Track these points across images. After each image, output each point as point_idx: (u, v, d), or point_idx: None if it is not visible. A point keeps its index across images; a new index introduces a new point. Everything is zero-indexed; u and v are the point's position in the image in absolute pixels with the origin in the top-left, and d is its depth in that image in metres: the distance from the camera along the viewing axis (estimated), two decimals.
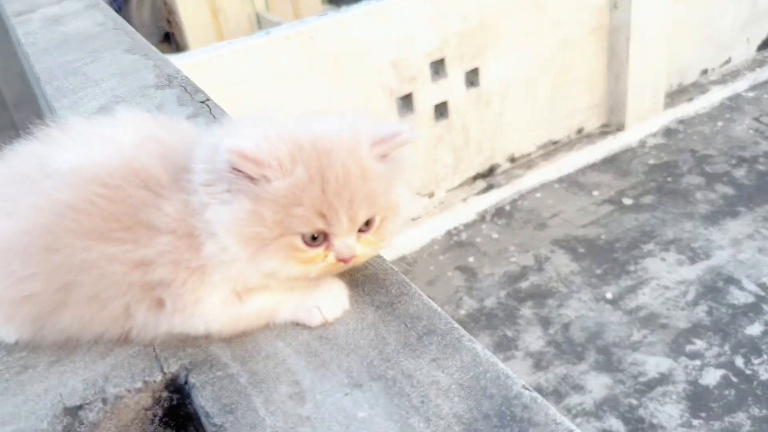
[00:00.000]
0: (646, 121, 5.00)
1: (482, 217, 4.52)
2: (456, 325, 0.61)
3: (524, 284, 3.92)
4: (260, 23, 12.34)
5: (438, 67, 4.13)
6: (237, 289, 0.60)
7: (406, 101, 4.12)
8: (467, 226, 4.47)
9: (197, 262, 0.57)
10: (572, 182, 4.74)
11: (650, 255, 3.98)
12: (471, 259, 4.18)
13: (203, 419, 0.55)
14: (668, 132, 5.06)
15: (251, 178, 0.54)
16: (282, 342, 0.61)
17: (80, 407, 0.57)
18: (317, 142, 0.58)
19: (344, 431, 0.50)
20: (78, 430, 0.57)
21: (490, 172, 4.71)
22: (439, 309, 0.64)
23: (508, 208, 4.57)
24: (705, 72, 5.48)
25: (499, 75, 4.33)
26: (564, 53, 4.51)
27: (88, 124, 0.66)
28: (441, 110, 4.27)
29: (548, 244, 4.21)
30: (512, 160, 4.77)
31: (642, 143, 4.99)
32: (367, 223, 0.61)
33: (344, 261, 0.58)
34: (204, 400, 0.55)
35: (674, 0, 4.81)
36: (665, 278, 3.78)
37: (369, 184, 0.60)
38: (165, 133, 0.63)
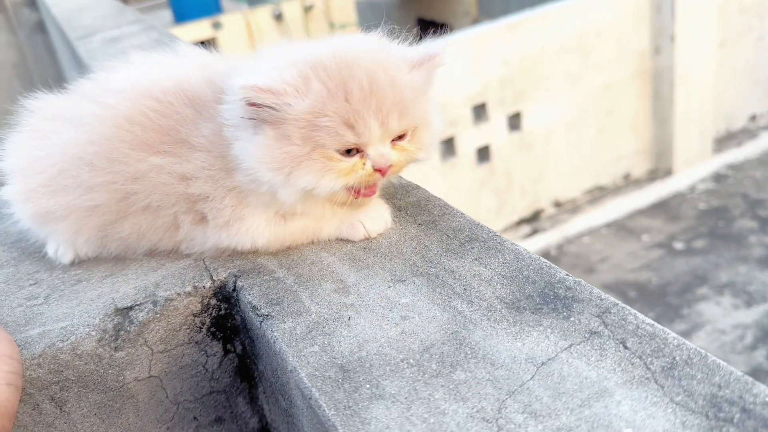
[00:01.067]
0: (694, 166, 4.92)
1: None
2: (498, 234, 0.61)
3: None
4: None
5: (479, 111, 4.19)
6: (279, 212, 0.61)
7: (448, 145, 4.17)
8: None
9: (232, 183, 0.59)
10: (620, 227, 4.65)
11: (704, 299, 3.83)
12: None
13: (250, 314, 0.55)
14: (718, 177, 4.95)
15: (272, 109, 0.56)
16: (327, 252, 0.62)
17: (131, 308, 0.59)
18: (337, 56, 0.60)
19: (387, 313, 0.50)
20: (128, 328, 0.59)
21: (535, 216, 4.67)
22: (481, 223, 0.64)
23: (554, 252, 4.50)
24: (754, 117, 5.40)
25: (542, 119, 4.36)
26: (607, 97, 4.53)
27: (148, 56, 0.70)
28: (483, 154, 4.30)
29: (598, 288, 4.10)
30: (557, 204, 4.73)
31: (691, 188, 4.89)
32: (401, 137, 0.61)
33: (381, 171, 0.59)
34: (251, 297, 0.56)
35: (719, 45, 4.81)
36: (721, 322, 3.63)
37: (398, 92, 0.61)
38: (217, 61, 0.67)
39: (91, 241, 0.66)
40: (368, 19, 18.12)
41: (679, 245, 4.34)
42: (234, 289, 0.61)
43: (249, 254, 0.64)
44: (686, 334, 3.60)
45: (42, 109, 0.70)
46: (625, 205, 4.78)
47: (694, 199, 4.80)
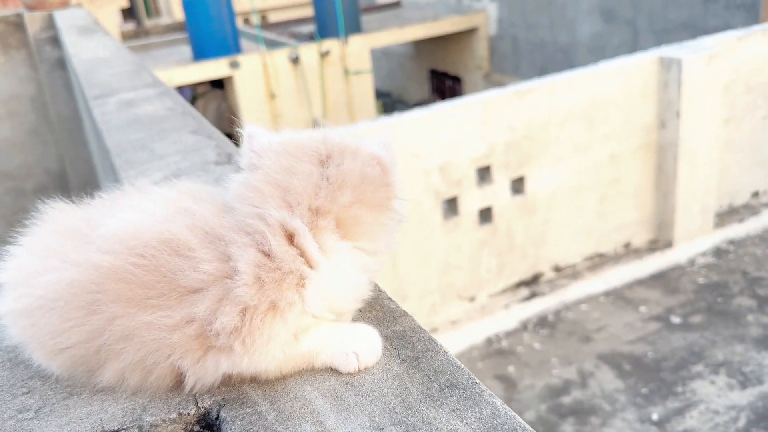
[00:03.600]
0: (695, 240, 4.94)
1: (524, 326, 4.44)
2: (478, 380, 0.63)
3: (566, 399, 3.78)
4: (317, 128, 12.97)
5: (484, 173, 4.24)
6: (301, 327, 0.64)
7: (452, 204, 4.21)
8: (508, 333, 4.39)
9: (265, 304, 0.61)
10: (619, 296, 4.65)
11: (699, 377, 3.80)
12: (511, 369, 4.07)
13: None
14: (718, 252, 4.97)
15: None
16: (310, 386, 0.64)
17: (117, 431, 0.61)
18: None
19: None
20: None
21: (534, 280, 4.68)
22: (462, 365, 0.66)
23: (551, 318, 4.49)
24: (756, 194, 5.44)
25: (546, 184, 4.41)
26: (612, 167, 4.58)
27: (135, 194, 0.73)
28: (485, 215, 4.34)
29: (593, 358, 4.08)
30: (557, 269, 4.74)
31: (691, 262, 4.90)
32: None
33: None
34: None
35: (724, 122, 4.89)
36: (715, 402, 3.59)
37: None
38: (195, 205, 0.69)
39: (66, 372, 0.68)
40: (382, 67, 18.47)
41: (676, 319, 4.33)
42: (217, 418, 0.63)
43: (235, 380, 0.66)
44: (679, 412, 3.56)
45: (52, 220, 0.73)
46: (624, 274, 4.79)
47: (694, 272, 4.81)
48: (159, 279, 0.63)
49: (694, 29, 10.98)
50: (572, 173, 4.46)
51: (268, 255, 0.62)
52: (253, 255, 0.62)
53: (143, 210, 0.69)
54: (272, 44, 12.87)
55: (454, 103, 4.07)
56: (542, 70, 13.96)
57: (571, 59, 13.24)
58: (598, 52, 12.54)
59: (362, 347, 0.66)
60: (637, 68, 4.42)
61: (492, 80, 15.07)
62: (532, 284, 4.66)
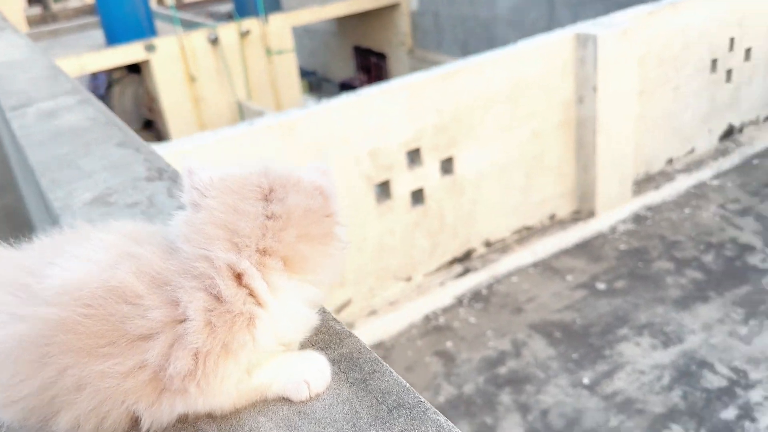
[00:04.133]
0: (615, 208, 5.19)
1: (459, 302, 4.57)
2: (422, 399, 0.67)
3: (502, 370, 3.93)
4: (242, 112, 12.74)
5: (414, 155, 4.29)
6: (252, 362, 0.65)
7: (384, 188, 4.26)
8: (445, 310, 4.51)
9: (217, 347, 0.62)
10: (546, 267, 4.84)
11: (624, 339, 4.03)
12: (449, 344, 4.20)
13: None
14: (637, 219, 5.24)
15: None
16: (264, 417, 0.66)
17: None
18: None
19: None
20: None
21: (467, 256, 4.81)
22: (408, 384, 0.70)
23: (484, 292, 4.63)
24: (671, 161, 5.75)
25: (473, 164, 4.51)
26: (535, 144, 4.73)
27: (75, 239, 0.72)
28: (417, 197, 4.41)
29: (525, 328, 4.26)
30: (488, 245, 4.89)
31: (612, 229, 5.15)
32: None
33: None
34: None
35: (638, 94, 5.11)
36: (640, 363, 3.83)
37: None
38: (139, 249, 0.69)
39: (20, 422, 0.67)
40: (305, 45, 18.19)
41: (601, 285, 4.56)
42: None
43: (190, 416, 0.67)
44: (608, 375, 3.78)
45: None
46: (551, 245, 4.98)
47: (615, 239, 5.06)
48: (109, 328, 0.63)
49: (608, 1, 11.36)
50: (498, 152, 4.58)
51: (217, 298, 0.63)
52: (202, 299, 0.63)
53: (87, 258, 0.68)
54: (189, 25, 12.44)
55: (380, 87, 4.09)
56: (464, 45, 14.13)
57: (491, 33, 13.46)
58: (517, 25, 12.78)
59: (312, 375, 0.68)
60: (555, 46, 4.56)
61: (416, 56, 15.12)
62: (465, 261, 4.79)
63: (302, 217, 0.68)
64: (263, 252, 0.66)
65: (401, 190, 4.28)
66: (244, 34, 12.00)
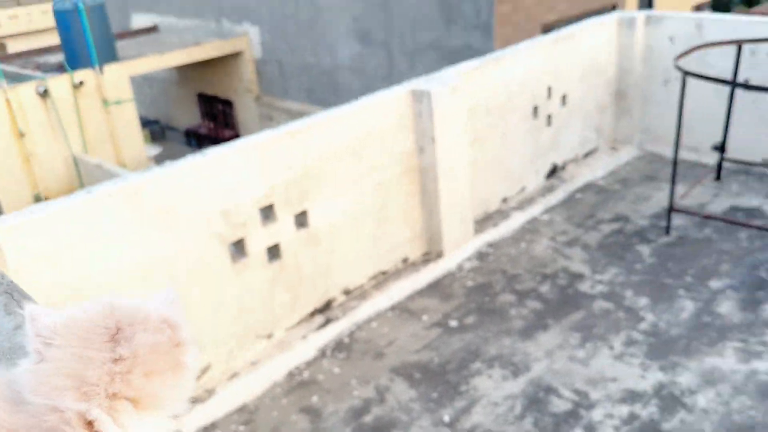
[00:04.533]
0: (460, 248, 5.53)
1: (323, 353, 4.61)
2: None
3: (368, 418, 4.01)
4: (78, 166, 11.95)
5: (268, 211, 4.32)
6: None
7: (239, 246, 4.23)
8: (308, 363, 4.52)
9: None
10: (403, 309, 5.03)
11: (478, 373, 4.29)
12: (314, 399, 4.21)
13: None
14: (480, 255, 5.62)
15: None
16: None
17: None
18: None
19: None
20: None
21: (327, 306, 4.87)
22: None
23: (347, 340, 4.71)
24: (505, 200, 6.24)
25: (327, 216, 4.62)
26: (382, 193, 4.95)
27: None
28: (274, 252, 4.42)
29: (387, 373, 4.38)
30: (347, 292, 4.99)
31: (460, 267, 5.48)
32: None
33: None
34: None
35: (471, 142, 5.54)
36: (493, 395, 4.09)
37: None
38: None
39: None
40: (146, 94, 17.62)
41: (453, 323, 4.82)
42: None
43: None
44: (466, 410, 3.99)
45: None
46: (405, 287, 5.20)
47: (463, 277, 5.38)
48: None
49: (440, 48, 12.20)
50: (349, 203, 4.73)
51: None
52: None
53: None
54: (15, 78, 11.56)
55: (230, 147, 4.09)
56: (310, 92, 14.42)
57: (335, 80, 13.86)
58: (359, 73, 13.30)
59: None
60: (393, 101, 4.84)
61: (263, 102, 15.15)
62: (325, 311, 4.85)
63: (150, 354, 0.70)
64: (113, 396, 0.67)
65: (257, 247, 4.27)
66: (77, 86, 11.36)
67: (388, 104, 4.82)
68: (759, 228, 5.33)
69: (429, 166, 5.12)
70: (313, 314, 4.80)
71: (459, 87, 5.08)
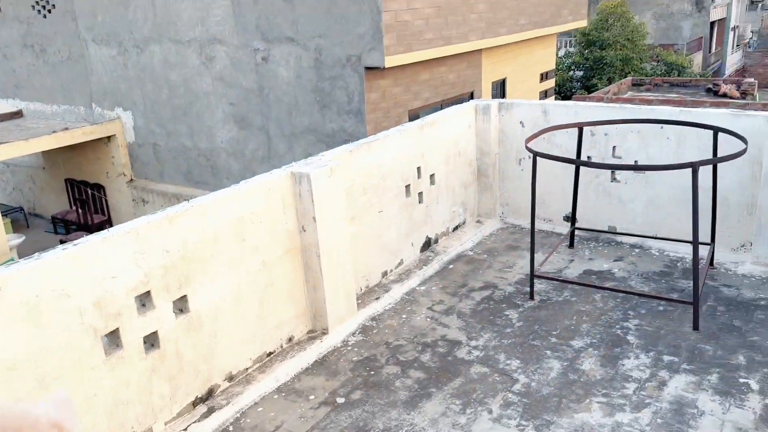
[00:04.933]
0: (345, 323, 5.64)
1: None
2: None
3: None
4: None
5: (145, 299, 4.23)
6: None
7: (113, 338, 4.08)
8: None
9: None
10: (290, 390, 5.00)
11: None
12: None
13: None
14: (364, 329, 5.75)
15: None
16: None
17: None
18: None
19: None
20: None
21: (210, 394, 4.75)
22: None
23: (231, 429, 4.59)
24: (385, 273, 6.48)
25: (209, 299, 4.59)
26: (265, 273, 5.00)
27: None
28: (151, 341, 4.30)
29: None
30: (231, 378, 4.90)
31: (345, 343, 5.57)
32: None
33: None
34: None
35: (350, 219, 5.77)
36: None
37: None
38: None
39: None
40: (7, 181, 16.71)
41: (340, 399, 4.86)
42: None
43: None
44: None
45: None
46: (291, 367, 5.19)
47: (348, 352, 5.46)
48: None
49: (316, 132, 12.63)
50: (231, 285, 4.73)
51: None
52: None
53: None
54: None
55: (102, 235, 4.01)
56: (188, 174, 14.27)
57: (213, 162, 13.86)
58: (238, 155, 13.40)
59: None
60: (274, 183, 4.99)
61: (137, 186, 14.77)
62: (208, 399, 4.72)
63: None
64: None
65: (133, 338, 4.14)
66: None
67: (269, 186, 4.96)
68: (610, 290, 5.91)
69: (311, 245, 5.26)
70: (195, 403, 4.66)
71: (336, 169, 5.33)
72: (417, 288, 6.43)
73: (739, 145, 5.70)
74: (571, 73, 33.84)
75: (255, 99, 12.92)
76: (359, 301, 5.96)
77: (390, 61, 11.62)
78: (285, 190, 5.08)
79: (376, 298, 6.12)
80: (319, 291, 5.41)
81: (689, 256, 6.31)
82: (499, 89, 17.28)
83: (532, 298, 5.94)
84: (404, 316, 5.95)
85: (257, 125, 13.02)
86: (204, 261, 4.52)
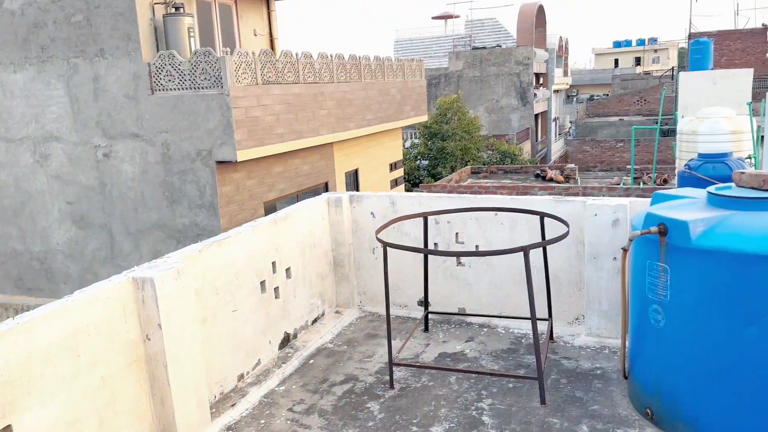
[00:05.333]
0: None
1: None
2: None
3: None
4: None
5: None
6: None
7: None
8: None
9: None
10: None
11: None
12: None
13: None
14: None
15: None
16: None
17: None
18: None
19: None
20: None
21: None
22: None
23: None
24: (242, 377, 6.21)
25: (38, 426, 4.11)
26: (106, 390, 4.60)
27: None
28: None
29: None
30: None
31: None
32: None
33: None
34: None
35: (201, 321, 5.52)
36: None
37: None
38: None
39: None
40: None
41: None
42: None
43: None
44: None
45: None
46: None
47: None
48: None
49: (165, 227, 12.16)
50: (66, 406, 4.29)
51: None
52: None
53: None
54: None
55: None
56: (18, 281, 13.03)
57: (48, 266, 12.80)
58: (77, 257, 12.50)
59: None
60: (113, 291, 4.68)
61: None
62: None
63: None
64: None
65: None
66: None
67: (106, 294, 4.64)
68: (464, 371, 6.10)
69: (157, 354, 4.94)
70: None
71: (183, 270, 5.14)
72: (276, 389, 6.21)
73: (562, 228, 6.31)
74: (418, 162, 35.92)
75: (96, 196, 12.25)
76: (213, 410, 5.64)
77: (242, 155, 11.64)
78: (126, 297, 4.79)
79: (232, 405, 5.82)
80: (168, 404, 5.05)
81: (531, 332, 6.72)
82: (353, 179, 17.89)
83: (392, 387, 5.97)
84: (262, 421, 5.70)
85: (98, 223, 12.28)
86: (32, 383, 4.07)
